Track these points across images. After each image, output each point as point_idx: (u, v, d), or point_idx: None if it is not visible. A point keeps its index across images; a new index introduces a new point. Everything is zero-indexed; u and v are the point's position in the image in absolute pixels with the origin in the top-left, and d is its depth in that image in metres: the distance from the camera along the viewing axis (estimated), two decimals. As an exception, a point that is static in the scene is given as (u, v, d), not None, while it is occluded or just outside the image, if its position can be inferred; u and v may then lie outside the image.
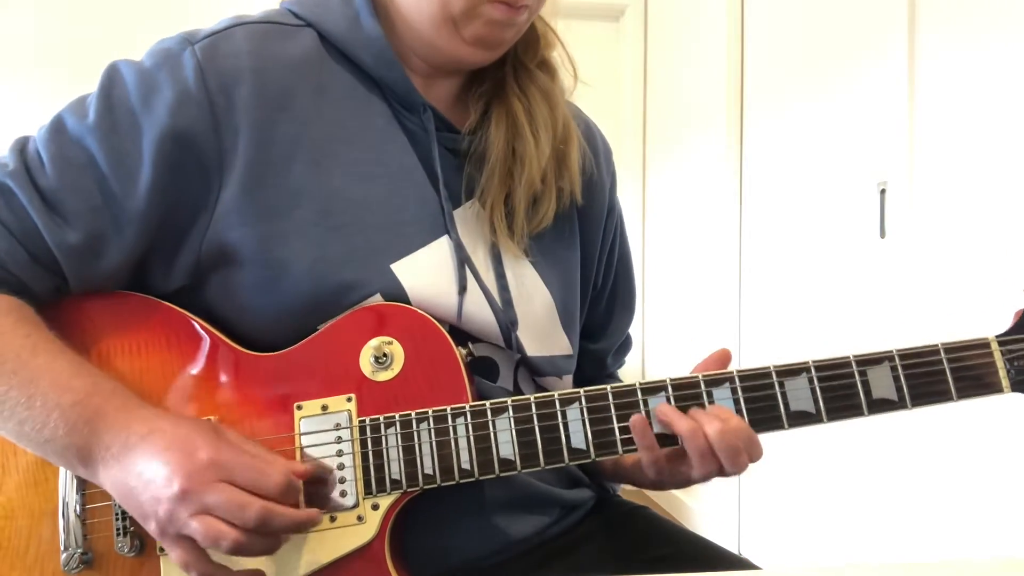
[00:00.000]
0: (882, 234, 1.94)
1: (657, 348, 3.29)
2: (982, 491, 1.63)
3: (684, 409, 0.72)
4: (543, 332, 0.85)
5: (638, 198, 3.47)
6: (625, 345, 1.04)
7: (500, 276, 0.81)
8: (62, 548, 0.72)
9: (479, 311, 0.79)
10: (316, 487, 0.71)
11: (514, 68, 0.86)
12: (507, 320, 0.80)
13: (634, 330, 1.05)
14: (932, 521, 1.77)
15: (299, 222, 0.74)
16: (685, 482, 0.76)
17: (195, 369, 0.75)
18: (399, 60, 0.80)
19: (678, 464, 0.74)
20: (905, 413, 0.73)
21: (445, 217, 0.79)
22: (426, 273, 0.77)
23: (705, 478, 0.74)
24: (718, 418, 0.71)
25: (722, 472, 0.73)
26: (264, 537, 0.65)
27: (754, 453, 0.72)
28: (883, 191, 1.93)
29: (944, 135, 1.75)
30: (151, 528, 0.65)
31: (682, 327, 3.11)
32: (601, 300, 0.97)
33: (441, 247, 0.79)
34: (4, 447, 0.73)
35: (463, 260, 0.79)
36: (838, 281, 2.14)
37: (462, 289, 0.78)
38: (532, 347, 0.83)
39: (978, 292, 1.64)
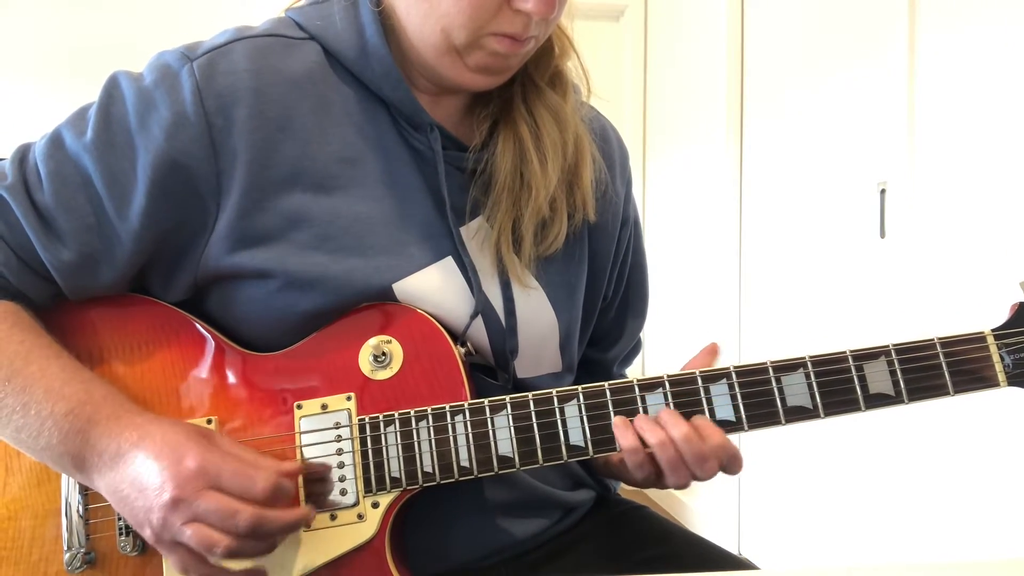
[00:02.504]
0: (882, 234, 1.95)
1: (657, 348, 3.29)
2: (982, 491, 1.63)
3: (682, 405, 0.72)
4: (538, 356, 0.84)
5: (638, 198, 3.44)
6: (633, 351, 1.02)
7: (508, 300, 0.80)
8: (65, 548, 0.72)
9: (479, 337, 0.79)
10: (315, 485, 0.72)
11: (523, 85, 0.83)
12: (507, 348, 0.79)
13: (635, 332, 1.03)
14: (932, 521, 1.77)
15: (298, 244, 0.74)
16: (664, 485, 0.76)
17: (195, 369, 0.76)
18: (405, 78, 0.78)
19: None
20: (904, 412, 0.73)
21: (455, 240, 0.78)
22: (429, 293, 0.76)
23: (678, 486, 0.74)
24: (693, 427, 0.71)
25: (695, 479, 0.73)
26: (258, 541, 0.65)
27: (732, 467, 0.72)
28: (883, 191, 1.94)
29: (944, 135, 1.75)
30: (146, 535, 0.65)
31: (682, 327, 3.11)
32: (611, 309, 0.96)
33: (444, 268, 0.77)
34: (7, 448, 0.74)
35: (479, 284, 0.78)
36: (838, 281, 2.15)
37: (476, 313, 0.77)
38: (524, 370, 0.82)
39: (978, 292, 1.65)
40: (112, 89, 0.74)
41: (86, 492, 0.73)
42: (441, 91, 0.81)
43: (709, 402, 0.72)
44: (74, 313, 0.77)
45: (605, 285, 0.92)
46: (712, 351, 0.77)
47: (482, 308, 0.78)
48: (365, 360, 0.74)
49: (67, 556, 0.72)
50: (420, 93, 0.80)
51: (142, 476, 0.65)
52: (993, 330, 0.72)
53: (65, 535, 0.73)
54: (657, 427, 0.71)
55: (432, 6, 0.72)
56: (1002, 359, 0.71)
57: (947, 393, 0.71)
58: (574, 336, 0.87)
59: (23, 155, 0.75)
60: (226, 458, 0.66)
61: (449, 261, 0.78)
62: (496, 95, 0.83)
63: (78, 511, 0.73)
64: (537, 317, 0.82)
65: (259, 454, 0.69)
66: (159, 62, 0.74)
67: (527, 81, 0.83)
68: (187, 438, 0.66)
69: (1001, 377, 0.71)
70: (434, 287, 0.76)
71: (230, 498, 0.64)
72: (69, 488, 0.73)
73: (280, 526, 0.65)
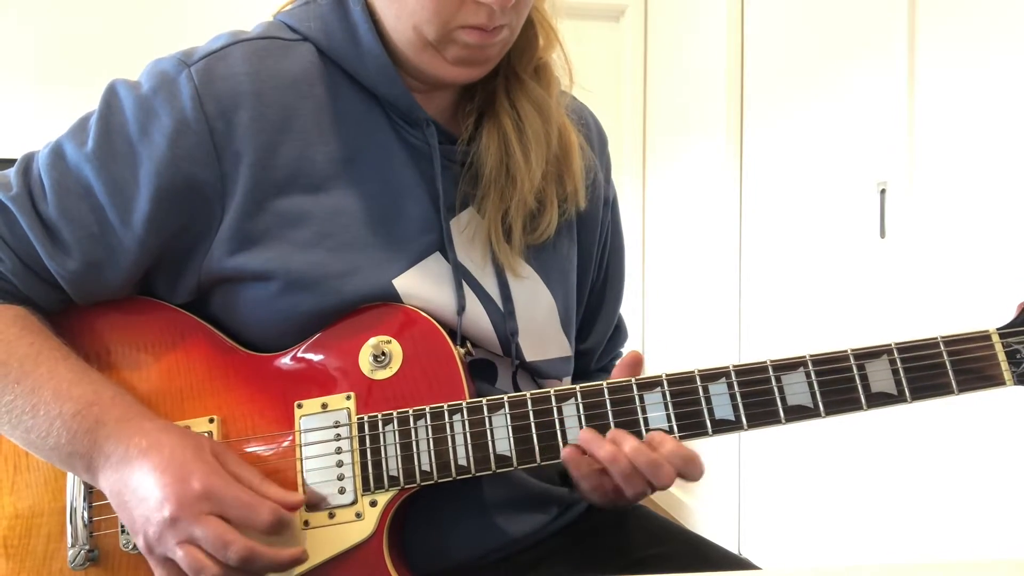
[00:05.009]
0: (882, 234, 1.95)
1: (657, 348, 3.30)
2: (982, 491, 1.63)
3: (681, 405, 0.72)
4: (543, 337, 0.84)
5: (638, 198, 3.47)
6: (614, 341, 1.02)
7: (503, 286, 0.81)
8: (69, 545, 0.73)
9: (478, 325, 0.79)
10: (314, 485, 0.72)
11: (506, 78, 0.83)
12: (507, 331, 0.80)
13: (634, 330, 1.03)
14: (932, 521, 1.77)
15: (299, 243, 0.74)
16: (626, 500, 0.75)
17: (199, 369, 0.76)
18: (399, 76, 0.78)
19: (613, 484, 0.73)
20: (904, 412, 0.72)
21: (444, 236, 0.79)
22: (425, 288, 0.77)
23: (637, 497, 0.73)
24: (647, 442, 0.70)
25: (652, 488, 0.72)
26: (246, 575, 0.66)
27: (690, 472, 0.71)
28: (883, 191, 1.94)
29: (944, 135, 1.75)
30: (139, 543, 0.66)
31: (682, 327, 3.11)
32: (594, 290, 0.97)
33: (436, 263, 0.79)
34: (15, 448, 0.74)
35: (460, 281, 0.79)
36: (838, 281, 2.15)
37: (461, 309, 0.78)
38: (532, 352, 0.83)
39: (978, 292, 1.65)
40: (111, 98, 0.75)
41: (91, 491, 0.74)
42: (430, 87, 0.82)
43: (708, 401, 0.72)
44: (81, 315, 0.78)
45: (593, 267, 0.93)
46: (635, 360, 0.76)
47: (468, 300, 0.79)
48: (365, 360, 0.74)
49: (71, 553, 0.73)
50: (411, 89, 0.81)
51: (144, 486, 0.65)
52: (999, 328, 0.71)
53: (69, 532, 0.73)
54: (606, 442, 0.70)
55: (401, 5, 0.74)
56: (1008, 357, 0.70)
57: (951, 392, 0.70)
58: (573, 315, 0.89)
59: (27, 165, 0.76)
60: (231, 485, 0.66)
61: (440, 255, 0.79)
62: (479, 88, 0.83)
63: (83, 509, 0.73)
64: (535, 300, 0.84)
65: (264, 478, 0.70)
66: (156, 69, 0.75)
67: (510, 74, 0.83)
68: (195, 455, 0.67)
69: (1007, 376, 0.70)
70: (429, 281, 0.77)
71: (227, 527, 0.64)
72: (74, 486, 0.74)
73: (271, 563, 0.66)
